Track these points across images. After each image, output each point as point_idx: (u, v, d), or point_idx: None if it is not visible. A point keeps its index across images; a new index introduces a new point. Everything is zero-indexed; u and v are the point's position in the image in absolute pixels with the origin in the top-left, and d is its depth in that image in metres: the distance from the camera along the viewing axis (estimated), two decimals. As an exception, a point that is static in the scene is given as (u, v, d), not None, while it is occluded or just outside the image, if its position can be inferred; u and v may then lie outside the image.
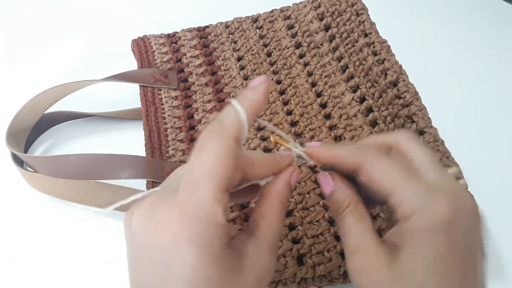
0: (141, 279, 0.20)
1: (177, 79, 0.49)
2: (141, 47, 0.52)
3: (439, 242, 0.21)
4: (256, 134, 0.43)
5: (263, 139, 0.43)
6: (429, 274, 0.21)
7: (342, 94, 0.44)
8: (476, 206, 0.22)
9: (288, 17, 0.51)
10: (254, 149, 0.42)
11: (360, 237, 0.23)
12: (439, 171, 0.23)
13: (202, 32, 0.54)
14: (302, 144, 0.26)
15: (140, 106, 0.47)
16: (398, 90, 0.39)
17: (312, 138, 0.42)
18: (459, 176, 0.25)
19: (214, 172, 0.19)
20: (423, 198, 0.21)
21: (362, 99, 0.43)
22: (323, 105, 0.45)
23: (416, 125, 0.37)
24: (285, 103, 0.46)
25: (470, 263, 0.21)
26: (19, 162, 0.44)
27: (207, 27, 0.54)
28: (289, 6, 0.52)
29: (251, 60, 0.50)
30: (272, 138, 0.26)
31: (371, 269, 0.22)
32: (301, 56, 0.48)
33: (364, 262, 0.22)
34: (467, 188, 0.30)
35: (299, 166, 0.28)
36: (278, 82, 0.48)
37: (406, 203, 0.22)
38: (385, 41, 0.43)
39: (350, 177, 0.25)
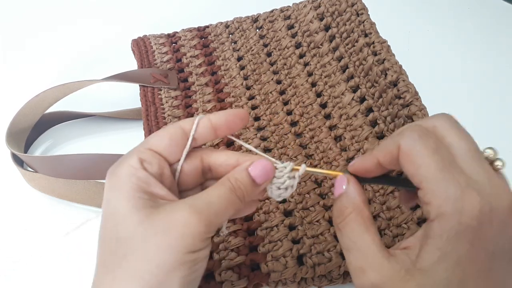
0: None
1: (177, 79, 0.49)
2: (141, 47, 0.52)
3: (462, 247, 0.20)
4: (256, 134, 0.43)
5: (263, 139, 0.43)
6: (451, 282, 0.20)
7: (342, 94, 0.44)
8: None
9: (288, 17, 0.51)
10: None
11: (367, 251, 0.22)
12: (477, 161, 0.22)
13: (202, 32, 0.54)
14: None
15: (140, 106, 0.47)
16: (398, 90, 0.39)
17: (312, 138, 0.42)
18: (493, 159, 0.23)
19: (146, 139, 0.25)
20: (453, 198, 0.20)
21: (362, 99, 0.43)
22: (323, 105, 0.45)
23: (416, 125, 0.37)
24: (285, 103, 0.46)
25: (495, 268, 0.21)
26: (19, 162, 0.44)
27: (207, 27, 0.54)
28: (289, 6, 0.52)
29: (251, 60, 0.50)
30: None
31: (383, 286, 0.21)
32: (301, 56, 0.48)
33: (375, 279, 0.21)
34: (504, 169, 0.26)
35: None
36: (278, 82, 0.48)
37: (433, 204, 0.21)
38: (385, 41, 0.43)
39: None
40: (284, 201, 0.39)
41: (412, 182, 0.22)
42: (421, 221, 0.36)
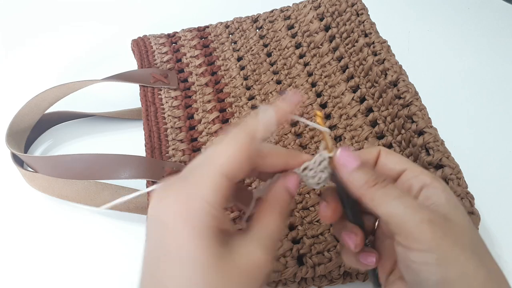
0: (147, 255, 0.22)
1: (177, 79, 0.49)
2: (141, 47, 0.52)
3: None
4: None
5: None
6: (468, 223, 0.23)
7: (342, 94, 0.44)
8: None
9: (288, 17, 0.51)
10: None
11: (414, 199, 0.23)
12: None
13: (202, 32, 0.54)
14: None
15: (140, 106, 0.47)
16: (398, 90, 0.39)
17: (312, 138, 0.42)
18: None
19: (221, 160, 0.22)
20: (432, 173, 0.24)
21: (362, 99, 0.43)
22: (323, 105, 0.45)
23: (416, 125, 0.37)
24: (285, 103, 0.46)
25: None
26: (19, 162, 0.44)
27: (207, 27, 0.54)
28: (289, 6, 0.52)
29: (251, 60, 0.50)
30: (318, 114, 0.26)
31: (438, 247, 0.22)
32: (301, 56, 0.48)
33: (432, 216, 0.22)
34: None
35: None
36: (278, 82, 0.48)
37: (423, 173, 0.25)
38: (385, 41, 0.43)
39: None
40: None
41: (394, 169, 0.26)
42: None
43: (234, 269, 0.21)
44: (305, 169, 0.25)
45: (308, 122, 0.27)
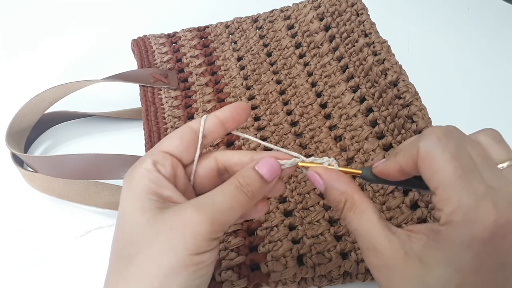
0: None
1: (177, 79, 0.49)
2: (141, 47, 0.52)
3: (468, 254, 0.20)
4: (256, 134, 0.43)
5: (263, 139, 0.43)
6: (446, 282, 0.20)
7: (342, 94, 0.44)
8: None
9: (288, 17, 0.51)
10: (254, 149, 0.42)
11: (368, 234, 0.23)
12: (498, 170, 0.21)
13: (202, 32, 0.54)
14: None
15: (140, 106, 0.47)
16: (398, 90, 0.39)
17: (312, 138, 0.42)
18: None
19: (164, 142, 0.25)
20: (466, 208, 0.19)
21: (362, 99, 0.43)
22: (323, 105, 0.44)
23: (416, 125, 0.37)
24: (285, 103, 0.46)
25: (503, 280, 0.20)
26: (19, 162, 0.44)
27: (207, 27, 0.54)
28: (289, 6, 0.52)
29: (251, 60, 0.50)
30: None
31: (386, 265, 0.22)
32: (301, 56, 0.48)
33: (379, 259, 0.22)
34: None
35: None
36: (278, 82, 0.48)
37: (444, 211, 0.20)
38: (385, 41, 0.43)
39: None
40: (284, 201, 0.39)
41: (429, 187, 0.22)
42: (421, 221, 0.35)
43: (163, 225, 0.22)
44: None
45: (247, 136, 0.28)
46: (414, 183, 0.26)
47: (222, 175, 0.27)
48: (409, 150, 0.23)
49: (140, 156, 0.40)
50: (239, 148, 0.42)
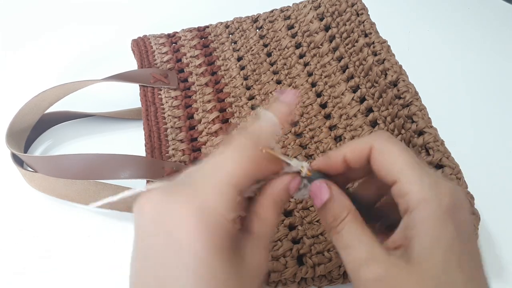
0: (145, 264, 0.20)
1: (177, 79, 0.49)
2: (141, 47, 0.52)
3: (449, 229, 0.20)
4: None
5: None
6: (447, 263, 0.20)
7: (342, 94, 0.44)
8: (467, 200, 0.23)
9: (288, 17, 0.51)
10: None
11: (369, 246, 0.22)
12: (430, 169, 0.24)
13: (202, 32, 0.54)
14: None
15: (140, 106, 0.47)
16: (398, 90, 0.39)
17: (312, 138, 0.42)
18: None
19: (232, 171, 0.21)
20: (430, 185, 0.21)
21: (362, 99, 0.43)
22: (323, 105, 0.45)
23: (416, 125, 0.37)
24: (285, 103, 0.46)
25: (475, 251, 0.22)
26: (19, 162, 0.44)
27: (207, 27, 0.54)
28: (289, 6, 0.52)
29: (251, 60, 0.50)
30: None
31: (389, 277, 0.21)
32: (301, 56, 0.48)
33: (380, 271, 0.21)
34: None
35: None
36: (278, 82, 0.48)
37: (413, 191, 0.21)
38: (385, 41, 0.43)
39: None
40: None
41: (386, 178, 0.23)
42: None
43: (245, 274, 0.21)
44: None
45: (283, 157, 0.25)
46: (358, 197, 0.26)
47: None
48: (357, 145, 0.24)
49: (141, 156, 0.39)
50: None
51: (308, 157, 0.41)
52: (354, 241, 0.22)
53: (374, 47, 0.42)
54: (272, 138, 0.23)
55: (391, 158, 0.23)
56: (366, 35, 0.44)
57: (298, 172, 0.24)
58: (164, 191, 0.21)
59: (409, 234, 0.21)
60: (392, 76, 0.40)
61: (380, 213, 0.26)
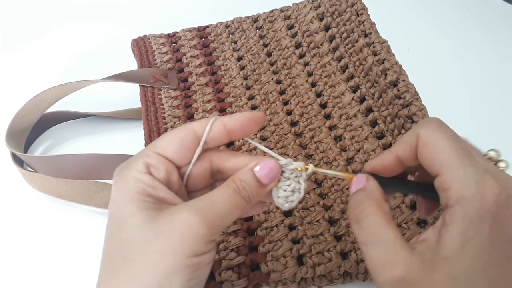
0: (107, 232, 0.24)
1: (177, 79, 0.49)
2: (141, 47, 0.52)
3: (483, 232, 0.20)
4: (256, 134, 0.43)
5: (263, 139, 0.43)
6: (473, 269, 0.20)
7: (342, 94, 0.44)
8: None
9: (288, 17, 0.51)
10: (255, 149, 0.42)
11: (391, 245, 0.21)
12: (484, 158, 0.23)
13: (202, 32, 0.54)
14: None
15: (140, 106, 0.47)
16: (398, 90, 0.39)
17: (312, 138, 0.42)
18: (497, 160, 0.24)
19: (158, 142, 0.25)
20: (474, 182, 0.20)
21: (362, 99, 0.43)
22: (323, 105, 0.44)
23: (416, 125, 0.37)
24: (285, 103, 0.46)
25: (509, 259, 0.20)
26: (19, 162, 0.44)
27: (207, 27, 0.54)
28: (289, 6, 0.52)
29: (251, 60, 0.50)
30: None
31: (412, 279, 0.20)
32: (301, 56, 0.48)
33: (403, 273, 0.20)
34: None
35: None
36: (278, 82, 0.48)
37: (454, 188, 0.21)
38: (385, 41, 0.43)
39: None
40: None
41: (430, 170, 0.22)
42: (421, 221, 0.36)
43: (161, 226, 0.22)
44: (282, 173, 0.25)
45: (262, 147, 0.26)
46: (415, 188, 0.26)
47: (215, 175, 0.26)
48: (406, 139, 0.24)
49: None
50: (239, 148, 0.42)
51: (308, 157, 0.41)
52: (375, 237, 0.22)
53: (374, 47, 0.42)
54: (213, 136, 0.25)
55: (436, 149, 0.22)
56: (366, 35, 0.44)
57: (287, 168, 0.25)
58: (120, 166, 0.25)
59: (443, 230, 0.21)
60: (392, 76, 0.40)
61: None
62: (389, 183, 0.25)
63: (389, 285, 0.21)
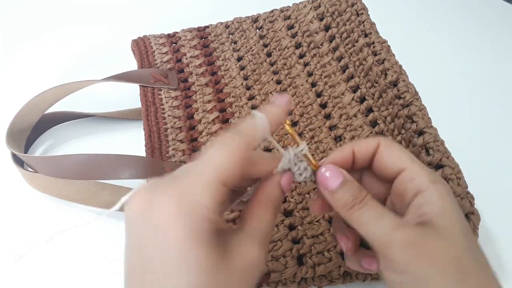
0: (134, 260, 0.21)
1: (177, 79, 0.49)
2: (141, 47, 0.52)
3: (457, 205, 0.23)
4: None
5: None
6: (466, 231, 0.23)
7: (342, 94, 0.44)
8: None
9: (288, 17, 0.51)
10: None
11: (395, 217, 0.23)
12: None
13: (202, 32, 0.54)
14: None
15: (140, 106, 0.47)
16: (398, 90, 0.39)
17: (312, 138, 0.42)
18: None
19: (218, 166, 0.21)
20: (433, 173, 0.24)
21: (362, 99, 0.43)
22: (323, 105, 0.45)
23: (416, 125, 0.37)
24: (285, 103, 0.46)
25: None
26: (19, 162, 0.44)
27: (207, 27, 0.54)
28: (289, 6, 0.52)
29: (251, 60, 0.50)
30: (288, 129, 0.25)
31: (422, 242, 0.22)
32: (301, 56, 0.48)
33: (412, 236, 0.22)
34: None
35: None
36: (278, 82, 0.48)
37: (422, 175, 0.24)
38: (385, 41, 0.43)
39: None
40: (284, 201, 0.39)
41: (392, 168, 0.25)
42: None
43: (233, 269, 0.21)
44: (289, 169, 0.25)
45: (276, 144, 0.26)
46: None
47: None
48: (366, 141, 0.26)
49: (141, 156, 0.39)
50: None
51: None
52: (379, 214, 0.23)
53: (374, 47, 0.42)
54: (261, 137, 0.23)
55: (398, 152, 0.25)
56: (366, 35, 0.44)
57: (289, 169, 0.25)
58: (151, 187, 0.21)
59: (426, 209, 0.23)
60: (392, 76, 0.40)
61: None
62: None
63: (404, 246, 0.22)
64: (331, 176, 0.25)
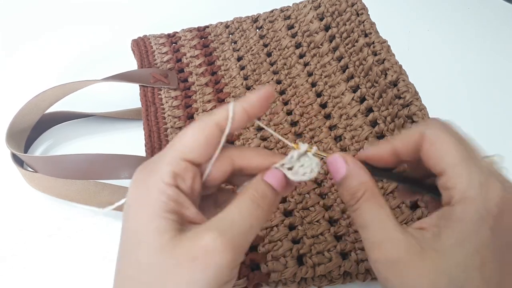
0: (121, 237, 0.22)
1: (177, 79, 0.49)
2: (141, 47, 0.52)
3: (483, 233, 0.20)
4: (256, 134, 0.43)
5: (263, 139, 0.43)
6: (467, 267, 0.20)
7: (342, 94, 0.44)
8: None
9: (288, 17, 0.51)
10: (258, 145, 0.42)
11: (383, 227, 0.22)
12: (484, 158, 0.23)
13: (202, 32, 0.54)
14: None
15: (140, 106, 0.47)
16: (398, 90, 0.39)
17: (312, 138, 0.42)
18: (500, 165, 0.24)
19: (178, 142, 0.22)
20: (478, 183, 0.20)
21: (362, 99, 0.43)
22: (323, 105, 0.45)
23: (416, 125, 0.37)
24: (285, 103, 0.46)
25: (510, 259, 0.21)
26: (19, 162, 0.44)
27: (207, 27, 0.54)
28: (289, 6, 0.52)
29: (251, 60, 0.50)
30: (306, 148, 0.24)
31: (399, 261, 0.21)
32: (301, 56, 0.48)
33: (391, 254, 0.21)
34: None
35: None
36: (278, 82, 0.48)
37: (458, 188, 0.21)
38: (385, 41, 0.43)
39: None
40: (284, 201, 0.39)
41: (434, 168, 0.22)
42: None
43: (180, 251, 0.20)
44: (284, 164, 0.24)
45: (271, 131, 0.26)
46: (404, 179, 0.26)
47: (236, 174, 0.25)
48: (409, 136, 0.24)
49: (141, 156, 0.39)
50: (237, 137, 0.42)
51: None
52: (370, 221, 0.22)
53: (374, 47, 0.42)
54: (235, 124, 0.23)
55: (443, 149, 0.22)
56: (366, 35, 0.44)
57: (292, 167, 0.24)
58: (141, 166, 0.23)
59: (442, 223, 0.21)
60: (392, 76, 0.40)
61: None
62: (378, 173, 0.25)
63: (380, 264, 0.21)
64: (335, 168, 0.24)
